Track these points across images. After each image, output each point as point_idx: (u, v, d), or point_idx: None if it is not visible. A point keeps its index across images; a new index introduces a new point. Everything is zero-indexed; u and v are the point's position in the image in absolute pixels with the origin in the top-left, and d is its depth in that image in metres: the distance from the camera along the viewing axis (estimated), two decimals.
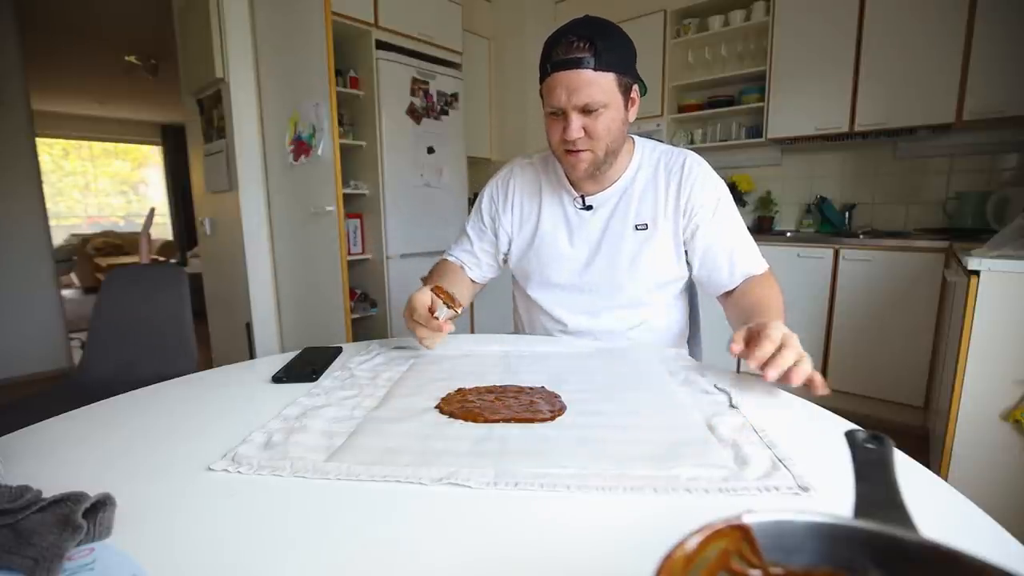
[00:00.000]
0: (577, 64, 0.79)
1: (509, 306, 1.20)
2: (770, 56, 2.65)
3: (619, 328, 0.99)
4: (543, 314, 1.04)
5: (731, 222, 0.94)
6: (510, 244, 1.05)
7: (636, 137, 0.98)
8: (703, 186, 0.92)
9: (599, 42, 0.79)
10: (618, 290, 0.96)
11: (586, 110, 0.82)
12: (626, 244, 0.94)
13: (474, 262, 1.07)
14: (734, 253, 0.92)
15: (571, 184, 0.97)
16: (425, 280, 1.00)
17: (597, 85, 0.80)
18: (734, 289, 0.94)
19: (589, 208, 0.96)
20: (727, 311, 0.95)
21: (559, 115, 0.84)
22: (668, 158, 0.95)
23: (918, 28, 2.25)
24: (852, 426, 0.41)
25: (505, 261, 1.09)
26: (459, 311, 0.81)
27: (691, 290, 1.10)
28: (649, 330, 1.00)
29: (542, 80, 0.86)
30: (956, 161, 2.47)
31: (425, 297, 0.79)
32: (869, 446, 0.32)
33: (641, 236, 0.94)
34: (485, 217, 1.06)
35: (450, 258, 1.09)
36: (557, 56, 0.81)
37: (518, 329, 1.16)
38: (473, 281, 1.09)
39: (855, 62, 2.41)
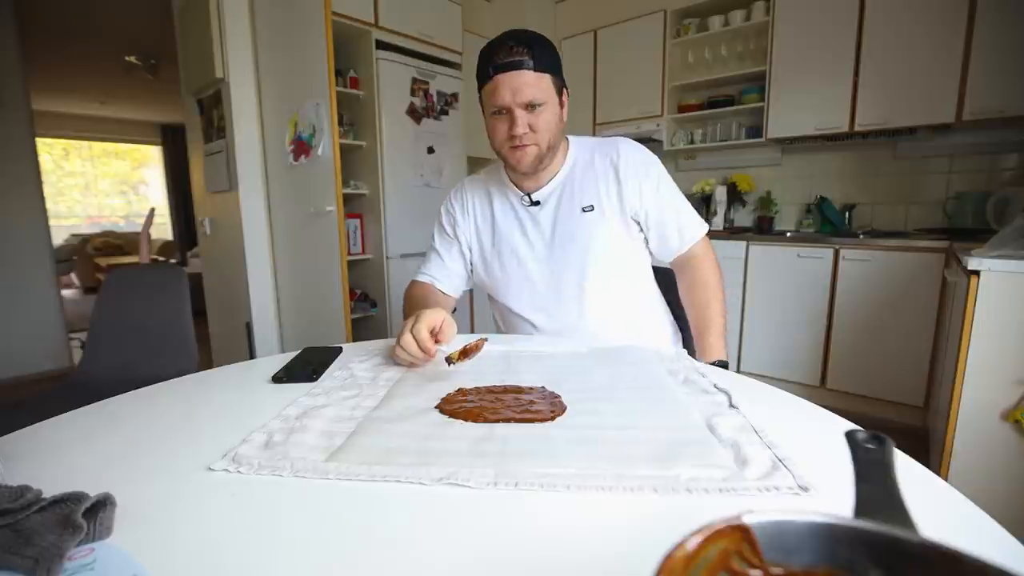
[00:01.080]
0: (519, 66, 0.87)
1: None
2: (770, 56, 2.65)
3: (596, 328, 1.01)
4: (515, 316, 1.07)
5: (671, 192, 1.02)
6: (471, 252, 1.09)
7: (570, 136, 1.05)
8: (641, 164, 0.99)
9: (535, 48, 0.88)
10: (581, 276, 1.00)
11: (529, 106, 0.89)
12: (578, 229, 0.99)
13: (445, 275, 1.10)
14: (680, 220, 1.02)
15: (516, 186, 1.03)
16: (405, 312, 1.01)
17: (537, 85, 0.88)
18: (684, 256, 1.04)
19: (537, 204, 1.02)
20: (680, 283, 1.07)
21: (503, 114, 0.91)
22: (601, 147, 1.02)
23: (918, 28, 2.25)
24: (852, 426, 0.41)
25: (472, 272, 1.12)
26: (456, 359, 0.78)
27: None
28: (629, 329, 1.02)
29: (482, 85, 0.93)
30: (956, 161, 2.47)
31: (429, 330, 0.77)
32: (869, 446, 0.32)
33: (589, 218, 0.99)
34: (447, 230, 1.10)
35: (422, 278, 1.10)
36: (499, 60, 0.88)
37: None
38: (446, 295, 1.10)
39: (855, 62, 2.41)
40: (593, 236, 0.99)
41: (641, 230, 1.03)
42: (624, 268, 1.03)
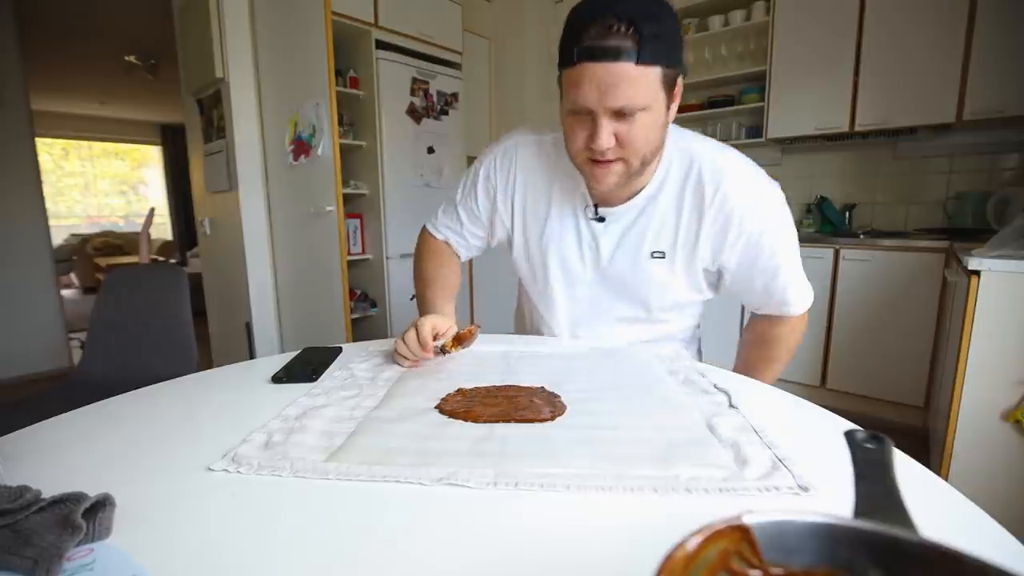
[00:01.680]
0: (616, 55, 0.61)
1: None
2: (770, 56, 2.65)
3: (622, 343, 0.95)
4: (541, 319, 0.98)
5: (786, 261, 0.80)
6: (509, 239, 0.93)
7: (671, 128, 0.78)
8: (741, 214, 0.76)
9: (645, 27, 0.61)
10: (626, 310, 0.88)
11: (620, 113, 0.65)
12: (638, 271, 0.83)
13: (461, 243, 0.97)
14: (785, 294, 0.82)
15: (587, 186, 0.82)
16: (416, 274, 0.96)
17: (639, 84, 0.63)
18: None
19: (602, 220, 0.83)
20: (752, 328, 0.93)
21: (584, 115, 0.67)
22: (699, 175, 0.77)
23: (918, 28, 2.25)
24: (852, 426, 0.41)
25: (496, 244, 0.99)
26: (452, 350, 0.79)
27: None
28: (656, 341, 0.96)
29: (564, 66, 0.66)
30: (956, 161, 2.47)
31: (431, 329, 0.76)
32: (868, 446, 0.32)
33: (656, 265, 0.82)
34: (480, 199, 0.91)
35: (438, 234, 0.97)
36: (589, 40, 0.62)
37: (520, 323, 1.12)
38: (459, 256, 1.00)
39: (855, 62, 2.41)
40: (651, 286, 0.84)
41: (718, 274, 0.84)
42: (681, 306, 0.90)
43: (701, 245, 0.79)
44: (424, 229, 1.00)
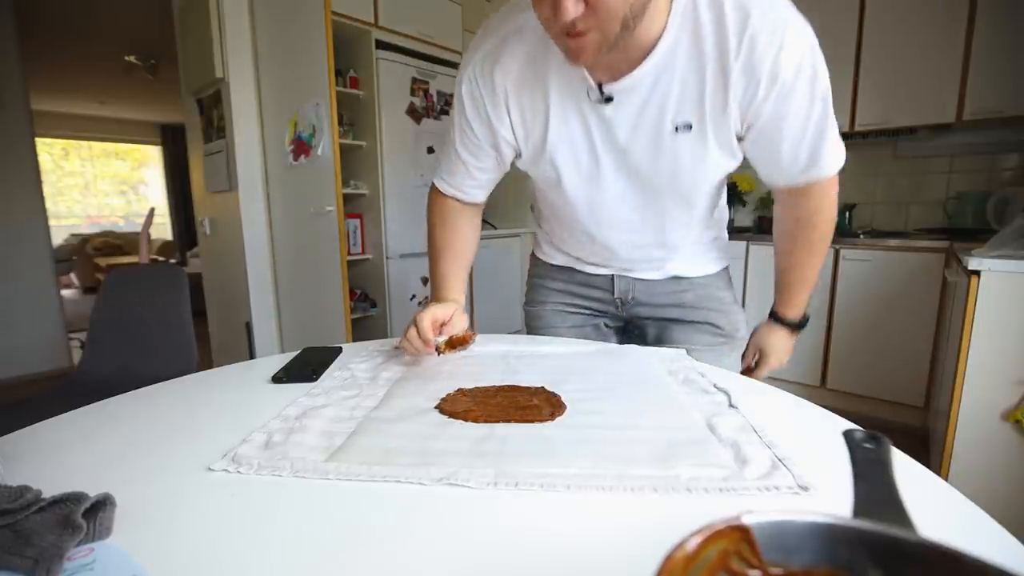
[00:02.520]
0: None
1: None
2: None
3: (658, 253, 0.86)
4: (562, 226, 0.89)
5: (820, 105, 0.66)
6: (518, 150, 0.80)
7: None
8: (774, 60, 0.62)
9: None
10: (655, 207, 0.78)
11: None
12: (664, 150, 0.71)
13: (473, 184, 0.86)
14: (815, 148, 0.70)
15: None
16: (428, 245, 0.90)
17: None
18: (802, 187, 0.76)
19: (609, 100, 0.69)
20: (784, 211, 0.82)
21: None
22: (720, 21, 0.62)
23: (918, 28, 2.25)
24: (851, 426, 0.41)
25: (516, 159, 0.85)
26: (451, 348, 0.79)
27: None
28: (689, 247, 0.88)
29: None
30: (956, 161, 2.47)
31: (429, 321, 0.75)
32: (867, 445, 0.32)
33: (681, 141, 0.70)
34: (476, 128, 0.79)
35: (445, 189, 0.88)
36: None
37: (541, 269, 1.02)
38: (475, 205, 0.90)
39: (855, 62, 2.41)
40: (681, 166, 0.71)
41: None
42: (707, 192, 0.79)
43: (731, 106, 0.66)
44: (432, 188, 0.91)
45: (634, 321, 0.98)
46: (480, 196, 0.89)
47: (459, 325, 0.80)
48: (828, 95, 0.67)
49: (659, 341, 0.94)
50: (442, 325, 0.78)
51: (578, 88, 0.70)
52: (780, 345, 0.92)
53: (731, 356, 0.95)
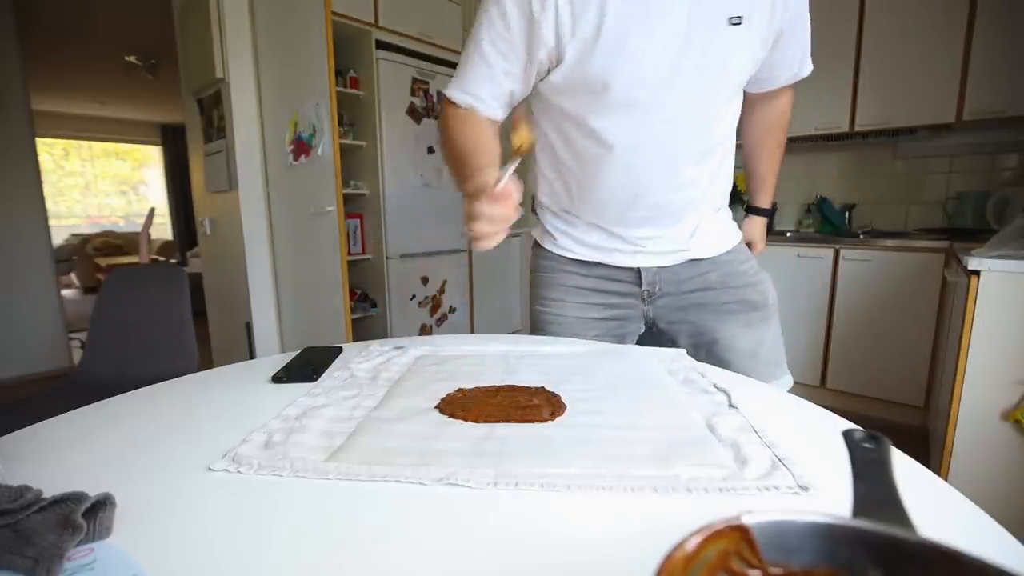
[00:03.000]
0: None
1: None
2: None
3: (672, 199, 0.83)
4: (586, 189, 0.83)
5: (806, 5, 0.76)
6: (559, 55, 0.72)
7: None
8: None
9: None
10: (702, 114, 0.77)
11: None
12: (714, 44, 0.70)
13: (493, 92, 0.77)
14: (804, 48, 0.81)
15: None
16: (447, 157, 0.78)
17: None
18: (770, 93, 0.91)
19: None
20: (755, 115, 0.99)
21: None
22: None
23: (918, 28, 2.25)
24: (851, 426, 0.41)
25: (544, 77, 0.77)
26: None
27: None
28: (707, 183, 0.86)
29: None
30: (956, 161, 2.47)
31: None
32: (866, 445, 0.32)
33: (734, 34, 0.70)
34: (511, 17, 0.71)
35: (461, 99, 0.78)
36: None
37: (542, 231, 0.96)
38: (492, 121, 0.80)
39: (855, 62, 2.41)
40: (730, 61, 0.72)
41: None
42: (734, 121, 0.83)
43: (776, 3, 0.71)
44: (444, 102, 0.81)
45: (660, 327, 0.95)
46: (499, 111, 0.80)
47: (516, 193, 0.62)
48: None
49: (697, 335, 0.92)
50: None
51: None
52: (762, 232, 1.16)
53: (771, 326, 0.93)
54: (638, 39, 0.69)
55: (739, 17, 0.69)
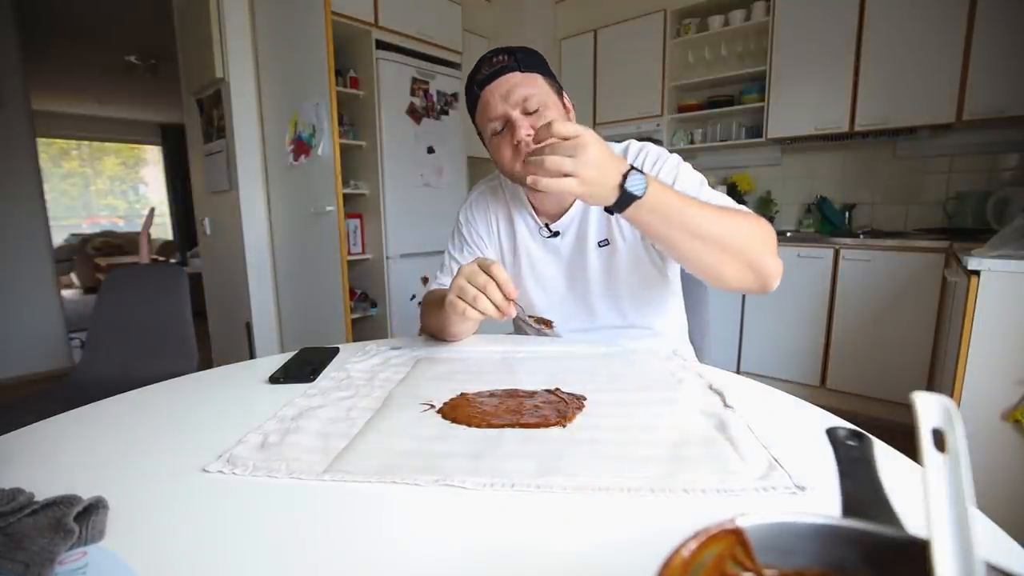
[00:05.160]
0: (502, 71, 0.80)
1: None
2: (770, 56, 2.65)
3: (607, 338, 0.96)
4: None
5: (691, 184, 0.82)
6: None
7: None
8: (649, 165, 0.84)
9: (518, 52, 0.81)
10: (598, 317, 0.94)
11: (526, 111, 0.79)
12: (591, 268, 0.90)
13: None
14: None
15: (534, 209, 0.93)
16: (427, 319, 0.93)
17: (529, 84, 0.80)
18: None
19: (556, 235, 0.92)
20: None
21: (502, 131, 0.81)
22: (623, 154, 0.88)
23: (918, 28, 2.25)
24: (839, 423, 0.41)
25: None
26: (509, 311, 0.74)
27: (696, 290, 1.08)
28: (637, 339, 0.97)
29: (473, 109, 0.86)
30: (956, 161, 2.46)
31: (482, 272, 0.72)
32: (850, 443, 0.32)
33: (605, 254, 0.89)
34: (469, 240, 1.00)
35: (442, 288, 0.98)
36: (482, 74, 0.81)
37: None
38: None
39: (855, 62, 2.41)
40: (607, 274, 0.90)
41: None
42: (644, 289, 0.93)
43: None
44: (428, 293, 1.00)
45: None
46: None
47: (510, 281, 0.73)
48: (703, 180, 0.85)
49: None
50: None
51: (531, 225, 0.95)
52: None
53: None
54: (541, 274, 0.97)
55: (605, 239, 0.89)
